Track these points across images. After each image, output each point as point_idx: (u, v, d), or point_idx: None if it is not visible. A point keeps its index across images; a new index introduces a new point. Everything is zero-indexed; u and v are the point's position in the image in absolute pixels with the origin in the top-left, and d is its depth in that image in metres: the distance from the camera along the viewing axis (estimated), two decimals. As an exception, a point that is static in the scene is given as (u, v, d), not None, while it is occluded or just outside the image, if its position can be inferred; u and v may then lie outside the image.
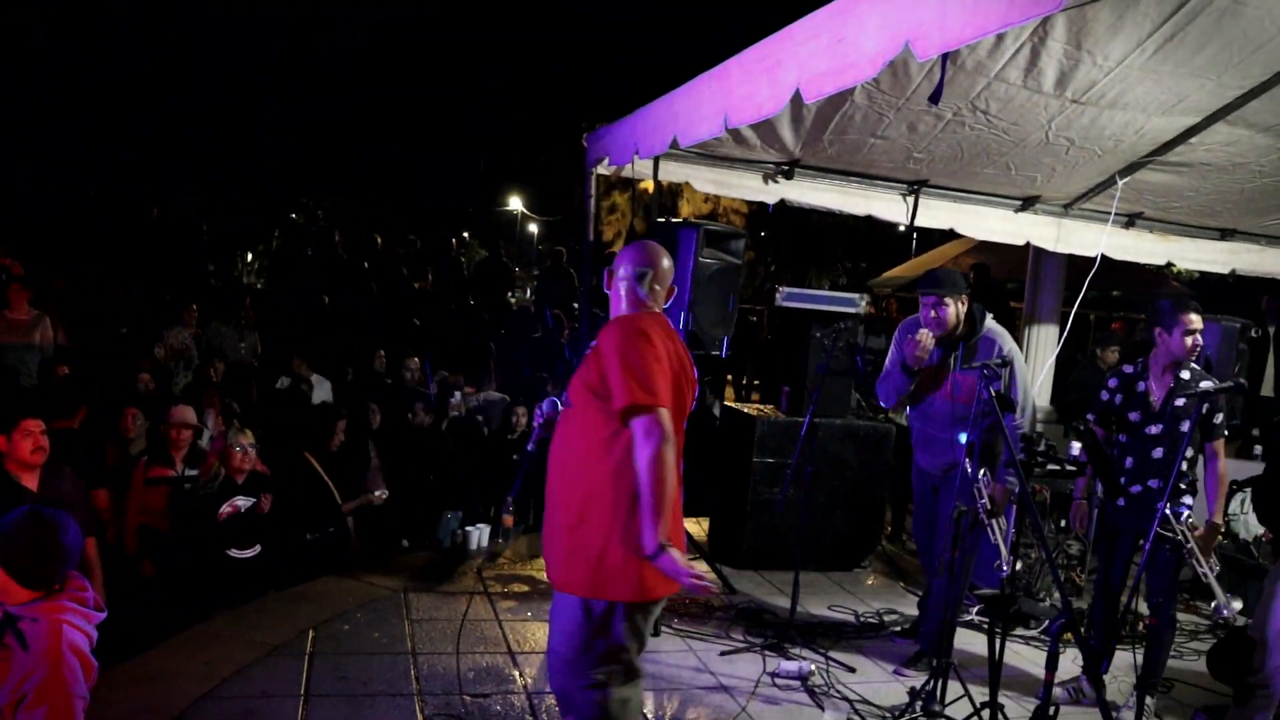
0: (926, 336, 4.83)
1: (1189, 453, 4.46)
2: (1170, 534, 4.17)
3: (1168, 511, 4.35)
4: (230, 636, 4.88)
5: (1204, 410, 4.44)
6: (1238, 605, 4.59)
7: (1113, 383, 4.82)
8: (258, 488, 5.78)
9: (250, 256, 22.19)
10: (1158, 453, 4.56)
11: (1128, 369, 4.79)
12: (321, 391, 8.33)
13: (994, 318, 5.07)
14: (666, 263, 3.26)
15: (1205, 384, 4.47)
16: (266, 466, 6.12)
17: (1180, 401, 4.52)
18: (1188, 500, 4.52)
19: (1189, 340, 4.46)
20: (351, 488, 6.77)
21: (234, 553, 5.59)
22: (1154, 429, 4.59)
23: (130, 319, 10.28)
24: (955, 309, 4.86)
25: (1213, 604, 4.25)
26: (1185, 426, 4.48)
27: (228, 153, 18.89)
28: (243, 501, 5.67)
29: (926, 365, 4.94)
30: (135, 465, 6.00)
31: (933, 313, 4.86)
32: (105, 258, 11.39)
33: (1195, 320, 4.45)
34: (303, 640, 4.89)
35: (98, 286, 10.82)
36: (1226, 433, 4.46)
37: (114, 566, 5.47)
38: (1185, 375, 4.56)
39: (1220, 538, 7.11)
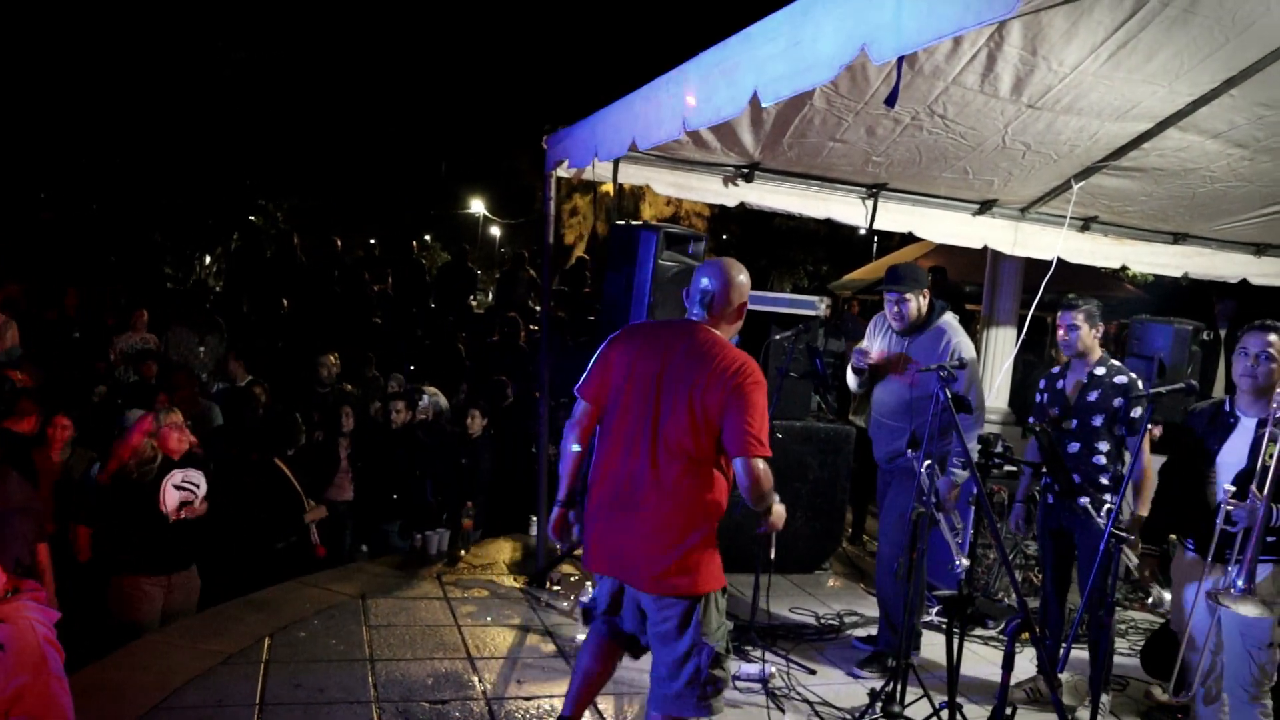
0: (866, 355, 5.16)
1: (1104, 447, 4.57)
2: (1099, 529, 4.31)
3: (1086, 504, 4.44)
4: (184, 645, 4.81)
5: (1119, 406, 4.54)
6: (1168, 597, 4.68)
7: (1042, 383, 4.98)
8: (198, 465, 5.62)
9: (209, 259, 21.91)
10: (1073, 448, 4.66)
11: (1055, 369, 4.92)
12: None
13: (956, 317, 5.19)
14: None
15: (1119, 379, 4.58)
16: (234, 474, 6.03)
17: (1092, 397, 4.60)
18: (1112, 496, 4.57)
19: (1059, 333, 4.75)
20: (319, 492, 6.72)
21: (173, 514, 5.35)
22: (1069, 424, 4.69)
23: (82, 324, 10.13)
24: (917, 303, 5.03)
25: (1150, 600, 4.33)
26: (1096, 421, 4.57)
27: (184, 155, 18.61)
28: (195, 478, 5.48)
29: (890, 354, 5.14)
30: (86, 469, 5.89)
31: (896, 308, 5.04)
32: (56, 261, 11.20)
33: (1064, 317, 4.72)
34: (258, 648, 4.83)
35: (49, 291, 10.64)
36: (1149, 427, 4.52)
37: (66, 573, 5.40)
38: (1100, 372, 4.66)
39: (1174, 536, 7.23)
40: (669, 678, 3.39)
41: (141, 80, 17.25)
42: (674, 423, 3.34)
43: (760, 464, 3.27)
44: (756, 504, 3.36)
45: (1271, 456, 3.55)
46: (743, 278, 3.58)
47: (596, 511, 3.49)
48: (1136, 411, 4.52)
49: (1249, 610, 3.35)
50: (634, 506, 3.37)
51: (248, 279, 12.27)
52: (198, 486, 5.48)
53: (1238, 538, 3.45)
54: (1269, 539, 3.57)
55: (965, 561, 4.06)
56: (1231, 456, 3.77)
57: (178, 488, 5.40)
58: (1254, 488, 3.52)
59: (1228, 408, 3.87)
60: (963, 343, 5.00)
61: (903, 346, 5.12)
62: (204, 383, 8.54)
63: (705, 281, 3.53)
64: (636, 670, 4.71)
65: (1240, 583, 3.35)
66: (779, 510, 3.49)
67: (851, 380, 5.32)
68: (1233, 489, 3.56)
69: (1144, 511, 4.49)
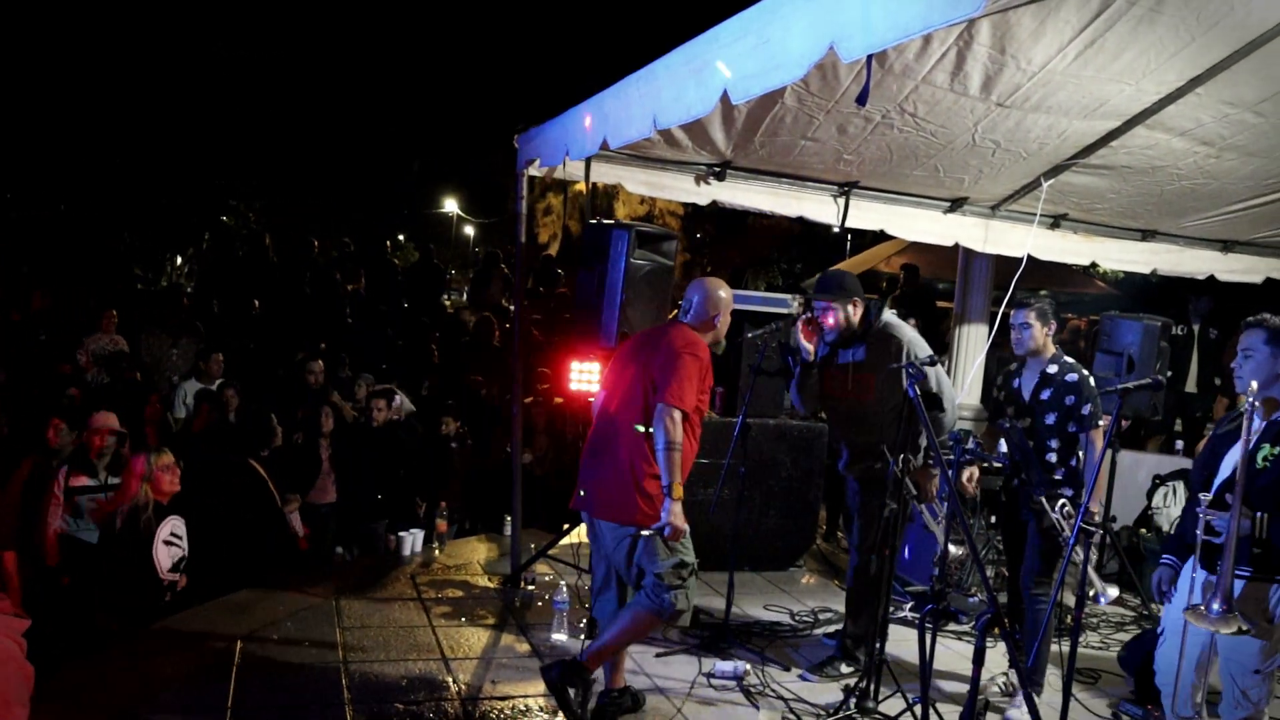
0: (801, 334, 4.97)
1: (1055, 444, 4.60)
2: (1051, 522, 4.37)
3: (1041, 500, 4.47)
4: (155, 650, 4.76)
5: (1070, 403, 4.57)
6: (1113, 592, 4.70)
7: (999, 380, 4.98)
8: (182, 505, 5.58)
9: (180, 260, 21.70)
10: (1029, 444, 4.66)
11: (1011, 366, 4.93)
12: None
13: (899, 315, 5.17)
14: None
15: (1070, 377, 4.60)
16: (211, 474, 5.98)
17: (1045, 395, 4.64)
18: (1066, 491, 4.59)
19: (1011, 333, 4.76)
20: (300, 492, 6.68)
21: (168, 577, 5.38)
22: (1022, 422, 4.70)
23: (50, 326, 10.00)
24: (845, 313, 4.81)
25: (1093, 593, 4.36)
26: (1049, 419, 4.60)
27: (154, 154, 18.42)
28: (179, 528, 5.45)
29: (830, 369, 4.97)
30: (54, 474, 5.81)
31: (825, 317, 4.84)
32: (21, 263, 11.04)
33: (1015, 315, 4.73)
34: (230, 652, 4.78)
35: (15, 293, 10.50)
36: (1100, 423, 4.56)
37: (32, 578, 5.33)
38: (1052, 370, 4.67)
39: (1145, 531, 7.31)
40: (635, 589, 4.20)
41: (110, 78, 17.06)
42: (632, 387, 4.15)
43: (673, 414, 3.94)
44: (663, 452, 3.94)
45: (1267, 463, 3.37)
46: (722, 293, 4.34)
47: (581, 460, 4.38)
48: (1087, 409, 4.55)
49: (1228, 629, 3.17)
50: (601, 453, 4.23)
51: (219, 280, 12.15)
52: (182, 538, 5.43)
53: (1224, 549, 3.24)
54: (1254, 550, 3.34)
55: (956, 550, 4.10)
56: (1231, 462, 3.53)
57: (167, 543, 5.34)
58: (1229, 495, 3.34)
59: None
60: (915, 340, 4.85)
61: (848, 358, 4.92)
62: (174, 385, 8.45)
63: (690, 292, 4.37)
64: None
65: (1216, 605, 3.15)
66: (676, 503, 3.96)
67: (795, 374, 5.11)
68: (1210, 497, 3.43)
69: (1095, 508, 4.49)
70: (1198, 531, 3.42)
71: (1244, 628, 3.17)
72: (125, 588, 5.13)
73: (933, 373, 4.68)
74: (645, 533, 4.04)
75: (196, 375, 8.37)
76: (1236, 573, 3.29)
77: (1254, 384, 3.35)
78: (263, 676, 4.54)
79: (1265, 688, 3.42)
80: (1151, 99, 4.77)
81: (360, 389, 8.02)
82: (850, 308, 4.82)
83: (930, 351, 4.84)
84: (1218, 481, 3.53)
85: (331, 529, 7.08)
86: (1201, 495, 3.44)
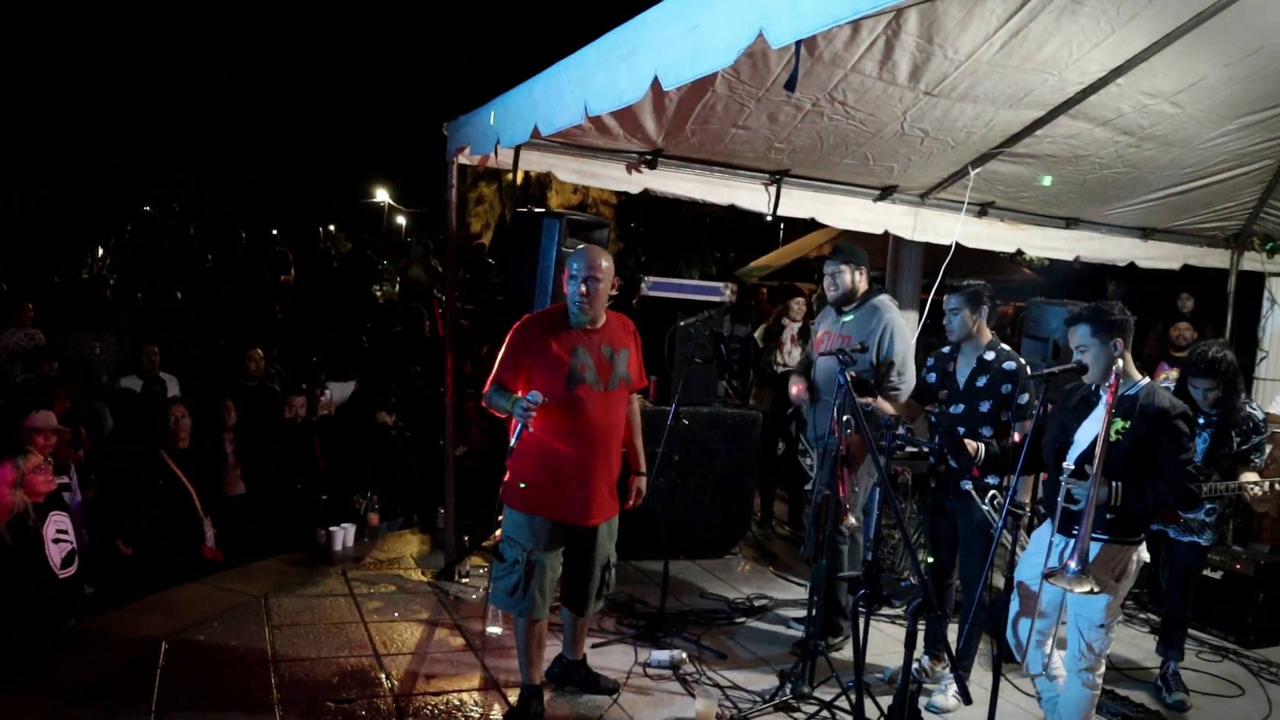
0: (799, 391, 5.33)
1: (988, 432, 4.63)
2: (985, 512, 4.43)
3: (969, 488, 4.53)
4: (75, 654, 4.61)
5: (1006, 391, 4.61)
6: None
7: (930, 360, 5.00)
8: (58, 499, 5.34)
9: (101, 252, 21.07)
10: (959, 431, 4.69)
11: (945, 349, 4.95)
12: (171, 388, 7.96)
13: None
14: None
15: (1008, 364, 4.65)
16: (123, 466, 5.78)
17: (980, 382, 4.68)
18: (992, 479, 4.58)
19: (944, 319, 4.85)
20: (209, 488, 6.50)
21: (62, 573, 5.15)
22: (957, 408, 4.73)
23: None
24: (851, 276, 5.25)
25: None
26: (984, 407, 4.65)
27: (71, 142, 17.87)
28: (63, 523, 5.18)
29: (830, 333, 5.34)
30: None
31: (830, 279, 5.29)
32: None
33: (946, 301, 4.82)
34: (154, 653, 4.65)
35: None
36: (1034, 412, 4.62)
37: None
38: (989, 357, 4.71)
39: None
40: None
41: (23, 63, 16.49)
42: None
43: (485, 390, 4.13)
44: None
45: (1120, 435, 3.65)
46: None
47: None
48: (1024, 398, 4.59)
49: (1082, 588, 3.40)
50: None
51: (142, 271, 11.82)
52: (67, 532, 5.22)
53: (1083, 515, 3.49)
54: (1106, 516, 3.67)
55: (853, 521, 4.19)
56: (1085, 435, 3.81)
57: (55, 541, 5.13)
58: (1087, 465, 3.59)
59: (1094, 386, 3.89)
60: (893, 319, 5.16)
61: (839, 326, 5.29)
62: (103, 384, 8.19)
63: None
64: (547, 661, 4.68)
65: (1073, 565, 3.39)
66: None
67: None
68: (1072, 468, 3.62)
69: (1025, 497, 4.56)
70: (1058, 499, 3.68)
71: (1095, 589, 3.43)
72: (29, 597, 4.93)
73: (896, 353, 5.10)
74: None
75: (136, 371, 8.15)
76: (1092, 537, 3.58)
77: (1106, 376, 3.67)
78: (188, 677, 4.42)
79: (1107, 640, 3.80)
80: (1074, 89, 4.86)
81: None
82: (856, 274, 5.24)
83: (903, 332, 5.21)
84: (1074, 453, 3.79)
85: (244, 524, 6.90)
86: (1065, 466, 3.65)
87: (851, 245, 5.46)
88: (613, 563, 4.35)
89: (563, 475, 4.08)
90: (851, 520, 4.71)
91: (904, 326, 5.26)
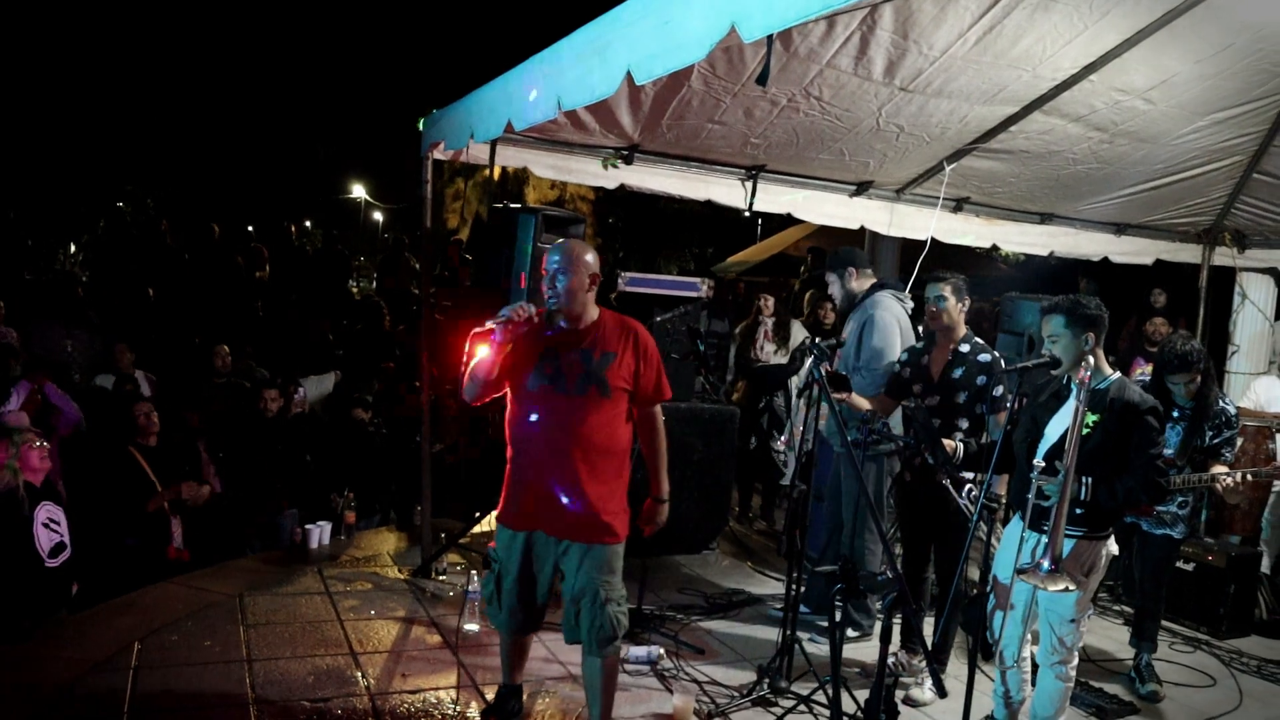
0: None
1: (964, 424, 4.64)
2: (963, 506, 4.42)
3: (945, 483, 4.53)
4: (47, 655, 4.55)
5: (982, 384, 4.63)
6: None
7: (904, 356, 5.00)
8: (52, 490, 5.34)
9: (74, 247, 20.87)
10: (934, 423, 4.70)
11: (918, 344, 4.97)
12: (146, 387, 7.89)
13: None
14: None
15: (983, 357, 4.66)
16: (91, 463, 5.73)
17: (956, 374, 4.69)
18: (969, 473, 4.54)
19: (927, 306, 4.82)
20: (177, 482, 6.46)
21: (50, 562, 5.14)
22: (931, 400, 4.73)
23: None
24: (840, 284, 5.42)
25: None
26: (960, 399, 4.67)
27: (44, 137, 17.67)
28: (57, 515, 5.22)
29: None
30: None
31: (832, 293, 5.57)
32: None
33: (931, 289, 4.80)
34: (127, 654, 4.60)
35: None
36: (1008, 405, 4.64)
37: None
38: (965, 349, 4.71)
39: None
40: None
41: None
42: None
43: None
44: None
45: (1089, 429, 3.67)
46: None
47: None
48: (999, 390, 4.60)
49: (1056, 587, 3.41)
50: None
51: (114, 268, 11.68)
52: (60, 524, 5.18)
53: (1052, 511, 3.50)
54: (1077, 511, 3.68)
55: (781, 443, 4.21)
56: (1055, 429, 3.84)
57: (46, 526, 5.08)
58: (1058, 461, 3.62)
59: (1065, 380, 3.93)
60: (876, 315, 5.20)
61: (847, 329, 5.45)
62: (75, 382, 8.10)
63: None
64: (523, 658, 4.66)
65: (1046, 563, 3.39)
66: None
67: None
68: (1043, 464, 3.63)
69: (1001, 490, 4.57)
70: (1029, 495, 3.68)
71: (1070, 586, 3.45)
72: (14, 580, 4.88)
73: (870, 346, 5.15)
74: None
75: (109, 369, 8.06)
76: (1066, 532, 3.61)
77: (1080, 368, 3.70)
78: (162, 677, 4.38)
79: (1078, 634, 3.86)
80: (1048, 85, 4.89)
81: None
82: (848, 279, 5.40)
83: (886, 323, 5.20)
84: (1044, 447, 3.83)
85: (217, 521, 6.85)
86: (1036, 462, 3.66)
87: (841, 250, 5.53)
88: (604, 598, 3.64)
89: (522, 483, 3.73)
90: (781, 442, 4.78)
91: (888, 322, 5.22)
